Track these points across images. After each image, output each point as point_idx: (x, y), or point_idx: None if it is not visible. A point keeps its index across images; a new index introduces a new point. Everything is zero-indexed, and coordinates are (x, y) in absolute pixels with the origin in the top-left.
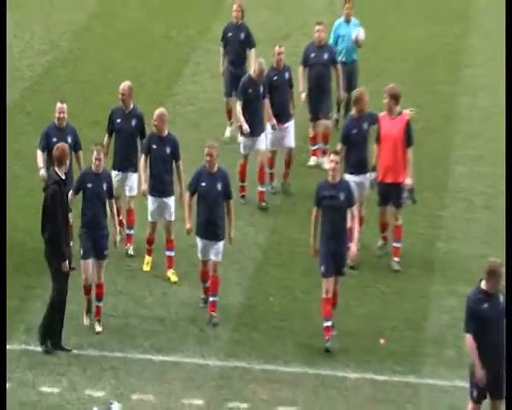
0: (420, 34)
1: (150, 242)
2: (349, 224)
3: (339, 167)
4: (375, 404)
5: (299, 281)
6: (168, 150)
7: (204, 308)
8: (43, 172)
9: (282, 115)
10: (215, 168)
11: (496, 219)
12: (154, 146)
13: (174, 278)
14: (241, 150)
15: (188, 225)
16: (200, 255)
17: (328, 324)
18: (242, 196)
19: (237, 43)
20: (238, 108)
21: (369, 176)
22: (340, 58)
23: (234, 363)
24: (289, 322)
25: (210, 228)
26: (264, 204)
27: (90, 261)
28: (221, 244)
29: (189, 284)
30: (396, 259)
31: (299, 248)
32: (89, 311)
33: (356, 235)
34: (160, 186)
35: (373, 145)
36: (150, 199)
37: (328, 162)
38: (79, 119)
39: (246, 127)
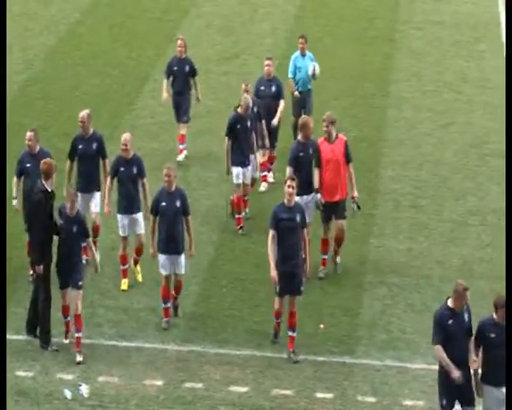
0: (353, 54)
1: (124, 260)
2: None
3: (294, 192)
4: (315, 382)
5: (248, 274)
6: (135, 170)
7: (167, 328)
8: (15, 202)
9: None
10: (173, 188)
11: (420, 217)
12: (122, 168)
13: (139, 278)
14: (234, 181)
15: (151, 250)
16: (162, 271)
17: (279, 321)
18: (241, 228)
19: (182, 75)
20: (226, 145)
21: (314, 196)
22: (296, 88)
23: (190, 347)
24: (239, 310)
25: (171, 244)
26: (241, 231)
27: (68, 290)
28: (182, 257)
29: (150, 278)
30: (337, 259)
31: (249, 244)
32: (68, 331)
33: (307, 253)
34: (129, 204)
35: (313, 169)
36: (120, 217)
37: (272, 177)
38: (50, 131)
39: (229, 169)
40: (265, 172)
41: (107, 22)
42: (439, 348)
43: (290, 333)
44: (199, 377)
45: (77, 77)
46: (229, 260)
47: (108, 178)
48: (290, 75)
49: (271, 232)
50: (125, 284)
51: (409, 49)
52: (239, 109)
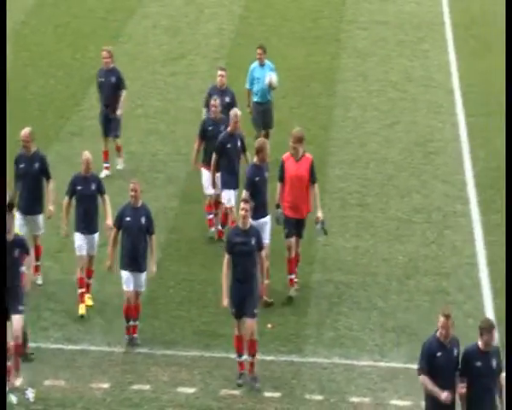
0: (299, 54)
1: (82, 282)
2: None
3: (249, 215)
4: (263, 381)
5: (196, 274)
6: (93, 187)
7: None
8: None
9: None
10: (139, 203)
11: (367, 215)
12: (80, 187)
13: (89, 302)
14: (226, 204)
15: (108, 262)
16: (125, 287)
17: (241, 359)
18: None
19: (109, 86)
20: (213, 162)
21: (271, 216)
22: (255, 99)
23: (137, 349)
24: (187, 311)
25: (133, 260)
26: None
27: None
28: (143, 275)
29: (96, 278)
30: (294, 289)
31: (196, 244)
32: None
33: (264, 276)
34: (88, 224)
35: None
36: (79, 236)
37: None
38: None
39: (212, 188)
40: None
41: (52, 22)
42: (424, 377)
43: (249, 359)
44: (146, 378)
45: (23, 77)
46: (176, 261)
47: (66, 198)
48: (247, 86)
49: (226, 256)
50: (82, 309)
51: (354, 49)
52: (229, 128)
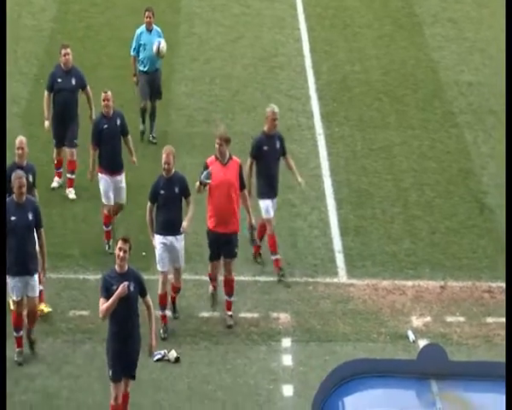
0: None
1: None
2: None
3: (127, 256)
4: None
5: (41, 197)
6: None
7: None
8: None
9: (114, 165)
10: (23, 198)
11: (213, 131)
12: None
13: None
14: (264, 215)
15: None
16: (14, 296)
17: None
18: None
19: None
20: (248, 166)
21: (182, 237)
22: (142, 67)
23: None
24: None
25: (22, 264)
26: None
27: None
28: (36, 277)
29: None
30: (229, 313)
31: (40, 167)
32: None
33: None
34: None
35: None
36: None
37: (72, 195)
38: None
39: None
40: (60, 170)
41: None
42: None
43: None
44: None
45: None
46: None
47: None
48: (132, 53)
49: (101, 300)
50: None
51: None
52: (266, 128)
